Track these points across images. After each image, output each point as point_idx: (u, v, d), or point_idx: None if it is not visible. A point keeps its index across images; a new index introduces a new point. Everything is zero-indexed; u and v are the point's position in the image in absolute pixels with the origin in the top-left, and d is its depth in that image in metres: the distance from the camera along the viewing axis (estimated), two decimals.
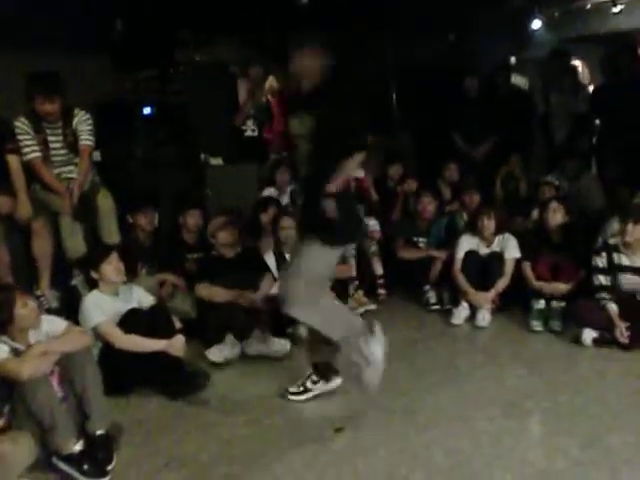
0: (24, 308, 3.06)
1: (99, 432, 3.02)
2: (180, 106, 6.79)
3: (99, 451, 2.95)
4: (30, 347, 3.00)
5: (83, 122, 4.50)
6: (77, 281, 4.19)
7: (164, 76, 7.47)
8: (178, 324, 3.82)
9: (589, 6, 8.11)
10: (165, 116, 7.22)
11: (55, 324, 3.25)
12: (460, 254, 4.87)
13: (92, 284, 3.78)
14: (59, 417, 2.84)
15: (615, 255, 4.29)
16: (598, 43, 7.60)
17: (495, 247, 4.89)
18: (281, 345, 4.18)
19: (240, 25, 7.45)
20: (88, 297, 3.69)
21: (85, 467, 2.84)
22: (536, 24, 8.49)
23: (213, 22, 7.33)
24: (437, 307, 4.98)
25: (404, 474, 2.80)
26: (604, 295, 4.24)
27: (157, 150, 6.57)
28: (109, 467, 2.92)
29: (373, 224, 5.49)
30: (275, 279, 4.62)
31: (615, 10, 7.80)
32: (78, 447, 2.88)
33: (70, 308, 3.75)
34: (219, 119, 6.02)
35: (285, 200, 5.73)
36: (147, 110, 7.45)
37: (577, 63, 7.67)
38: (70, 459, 2.86)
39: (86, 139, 4.51)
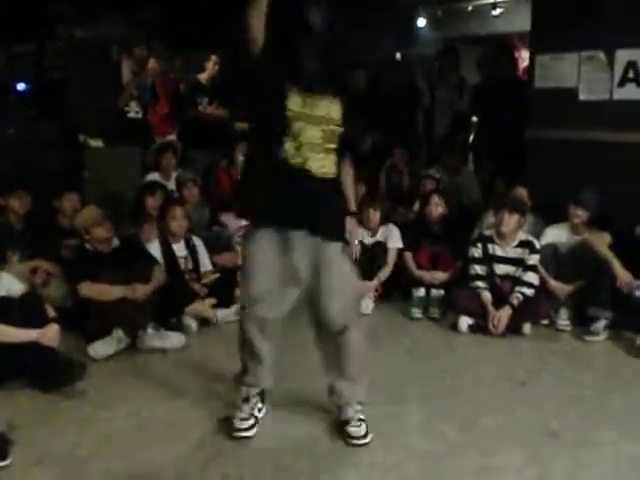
0: None
1: None
2: (58, 83, 6.42)
3: None
4: None
5: None
6: None
7: (41, 51, 7.07)
8: (52, 313, 3.59)
9: (470, 8, 8.51)
10: (41, 93, 6.83)
11: None
12: None
13: None
14: None
15: (490, 246, 4.51)
16: (478, 44, 7.97)
17: (379, 237, 5.01)
18: (178, 339, 4.04)
19: (124, 2, 7.16)
20: None
21: None
22: (421, 22, 8.79)
23: None
24: None
25: (289, 464, 2.79)
26: (479, 284, 4.45)
27: (31, 128, 6.18)
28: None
29: None
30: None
31: (495, 13, 8.23)
32: None
33: None
34: (100, 99, 5.73)
35: (170, 186, 5.57)
36: (21, 86, 7.03)
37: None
38: None
39: None
